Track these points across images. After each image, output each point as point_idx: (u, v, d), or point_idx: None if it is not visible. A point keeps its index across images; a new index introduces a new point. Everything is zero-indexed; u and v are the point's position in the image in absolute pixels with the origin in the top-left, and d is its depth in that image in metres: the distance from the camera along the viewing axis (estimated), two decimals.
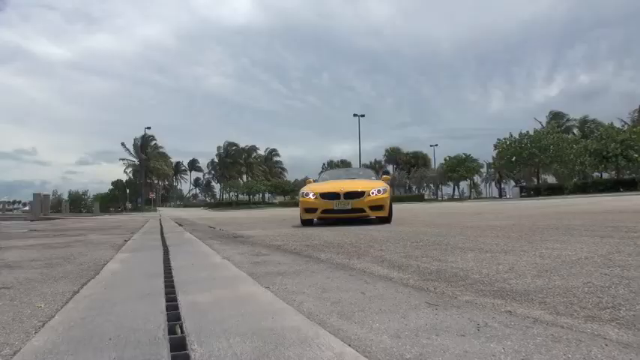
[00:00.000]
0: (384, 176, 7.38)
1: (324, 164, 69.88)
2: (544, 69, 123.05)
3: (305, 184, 7.12)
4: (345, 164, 62.96)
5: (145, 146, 53.34)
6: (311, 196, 5.97)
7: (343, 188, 5.84)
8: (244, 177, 67.12)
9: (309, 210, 5.95)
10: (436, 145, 56.26)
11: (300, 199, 6.21)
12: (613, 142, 32.74)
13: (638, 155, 31.64)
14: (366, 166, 45.66)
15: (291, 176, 71.44)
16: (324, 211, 5.79)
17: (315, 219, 6.16)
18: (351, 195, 5.74)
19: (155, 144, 58.61)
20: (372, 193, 5.76)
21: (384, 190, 5.88)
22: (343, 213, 5.75)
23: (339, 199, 5.71)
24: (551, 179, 45.06)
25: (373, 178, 7.30)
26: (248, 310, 1.30)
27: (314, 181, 7.59)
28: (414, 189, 59.37)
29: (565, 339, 0.98)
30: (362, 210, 5.70)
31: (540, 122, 51.17)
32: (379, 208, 5.75)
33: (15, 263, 2.64)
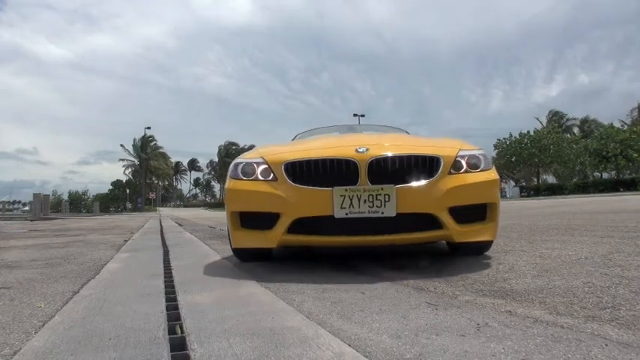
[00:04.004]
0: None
1: None
2: (544, 69, 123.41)
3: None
4: None
5: (145, 146, 53.28)
6: (259, 173, 2.02)
7: (365, 147, 1.91)
8: None
9: (249, 221, 2.04)
10: None
11: (228, 185, 2.12)
12: (613, 142, 32.73)
13: (638, 155, 31.63)
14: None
15: None
16: (299, 226, 1.89)
17: (273, 248, 2.12)
18: (395, 167, 1.88)
19: (155, 144, 58.58)
20: (461, 166, 1.97)
21: (485, 161, 2.06)
22: (365, 232, 1.87)
23: (355, 183, 1.81)
24: (551, 179, 45.03)
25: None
26: (248, 310, 1.30)
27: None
28: None
29: (565, 339, 0.98)
30: (429, 220, 1.87)
31: (541, 122, 51.20)
32: (478, 214, 1.99)
33: (15, 263, 2.64)
